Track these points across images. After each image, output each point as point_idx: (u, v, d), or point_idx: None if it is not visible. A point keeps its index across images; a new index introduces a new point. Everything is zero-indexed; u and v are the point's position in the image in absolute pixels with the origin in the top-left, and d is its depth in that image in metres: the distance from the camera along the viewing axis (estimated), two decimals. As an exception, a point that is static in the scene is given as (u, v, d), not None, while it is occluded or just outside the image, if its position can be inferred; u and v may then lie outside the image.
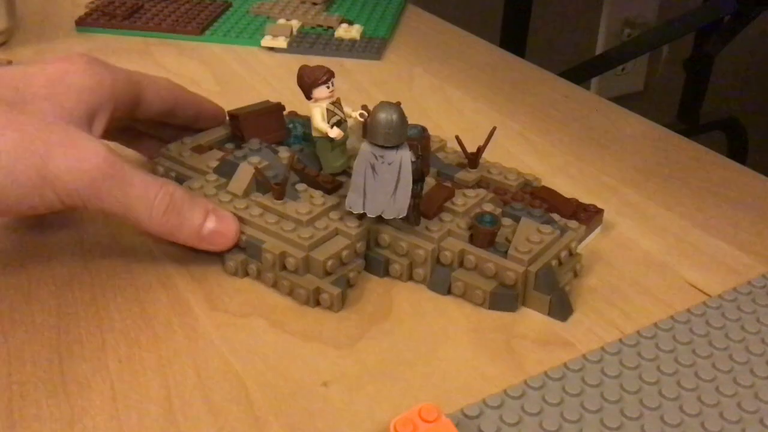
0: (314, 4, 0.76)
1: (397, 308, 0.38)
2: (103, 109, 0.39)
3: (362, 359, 0.35)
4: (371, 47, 0.68)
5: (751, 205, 0.47)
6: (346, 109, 0.43)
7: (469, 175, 0.44)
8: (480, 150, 0.45)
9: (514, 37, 1.19)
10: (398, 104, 0.45)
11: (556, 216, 0.41)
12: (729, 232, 0.44)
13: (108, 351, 0.35)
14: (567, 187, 0.47)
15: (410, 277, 0.40)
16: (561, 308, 0.38)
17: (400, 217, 0.39)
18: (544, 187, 0.45)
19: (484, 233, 0.38)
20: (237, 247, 0.40)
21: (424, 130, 0.40)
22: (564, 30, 1.37)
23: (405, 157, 0.37)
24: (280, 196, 0.40)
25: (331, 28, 0.72)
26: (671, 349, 0.35)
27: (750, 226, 0.45)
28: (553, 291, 0.38)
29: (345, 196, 0.41)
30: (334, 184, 0.42)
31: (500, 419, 0.32)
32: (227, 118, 0.48)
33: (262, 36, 0.69)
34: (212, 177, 0.43)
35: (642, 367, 0.34)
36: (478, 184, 0.44)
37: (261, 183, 0.41)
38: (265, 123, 0.46)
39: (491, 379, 0.34)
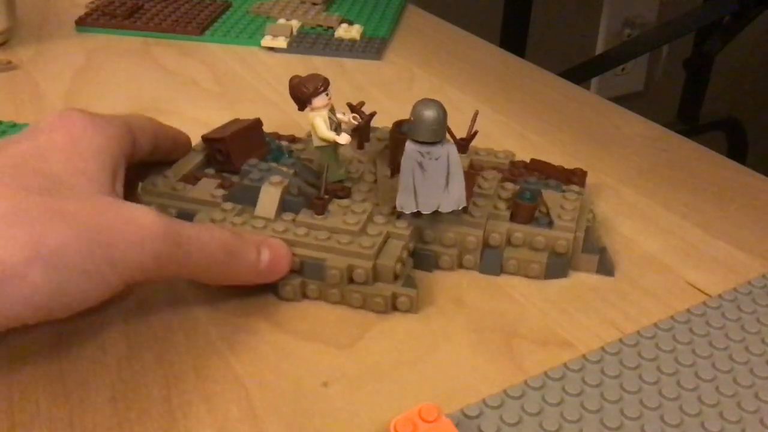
0: (314, 4, 0.76)
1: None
2: (119, 165, 0.37)
3: (362, 359, 0.35)
4: (371, 47, 0.68)
5: (751, 205, 0.47)
6: (339, 115, 0.42)
7: (461, 160, 0.45)
8: (473, 135, 0.45)
9: (514, 37, 1.19)
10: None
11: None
12: (729, 232, 0.44)
13: (108, 351, 0.35)
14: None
15: (460, 266, 0.41)
16: (607, 265, 0.40)
17: (460, 207, 0.39)
18: (534, 160, 0.46)
19: (525, 209, 0.40)
20: (291, 271, 0.38)
21: None
22: (564, 30, 1.37)
23: (451, 150, 0.38)
24: (321, 211, 0.39)
25: (331, 28, 0.72)
26: (671, 349, 0.35)
27: (750, 226, 0.45)
28: (599, 250, 0.40)
29: (362, 201, 0.40)
30: (345, 192, 0.42)
31: (500, 419, 0.32)
32: (202, 142, 0.46)
33: (262, 36, 0.69)
34: (228, 206, 0.40)
35: (642, 367, 0.34)
36: (471, 166, 0.45)
37: (288, 202, 0.40)
38: (249, 142, 0.45)
39: (491, 379, 0.34)
